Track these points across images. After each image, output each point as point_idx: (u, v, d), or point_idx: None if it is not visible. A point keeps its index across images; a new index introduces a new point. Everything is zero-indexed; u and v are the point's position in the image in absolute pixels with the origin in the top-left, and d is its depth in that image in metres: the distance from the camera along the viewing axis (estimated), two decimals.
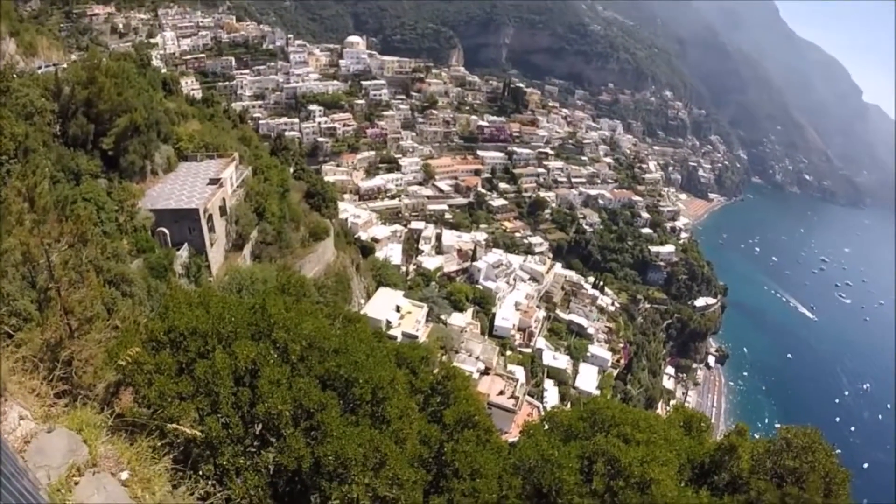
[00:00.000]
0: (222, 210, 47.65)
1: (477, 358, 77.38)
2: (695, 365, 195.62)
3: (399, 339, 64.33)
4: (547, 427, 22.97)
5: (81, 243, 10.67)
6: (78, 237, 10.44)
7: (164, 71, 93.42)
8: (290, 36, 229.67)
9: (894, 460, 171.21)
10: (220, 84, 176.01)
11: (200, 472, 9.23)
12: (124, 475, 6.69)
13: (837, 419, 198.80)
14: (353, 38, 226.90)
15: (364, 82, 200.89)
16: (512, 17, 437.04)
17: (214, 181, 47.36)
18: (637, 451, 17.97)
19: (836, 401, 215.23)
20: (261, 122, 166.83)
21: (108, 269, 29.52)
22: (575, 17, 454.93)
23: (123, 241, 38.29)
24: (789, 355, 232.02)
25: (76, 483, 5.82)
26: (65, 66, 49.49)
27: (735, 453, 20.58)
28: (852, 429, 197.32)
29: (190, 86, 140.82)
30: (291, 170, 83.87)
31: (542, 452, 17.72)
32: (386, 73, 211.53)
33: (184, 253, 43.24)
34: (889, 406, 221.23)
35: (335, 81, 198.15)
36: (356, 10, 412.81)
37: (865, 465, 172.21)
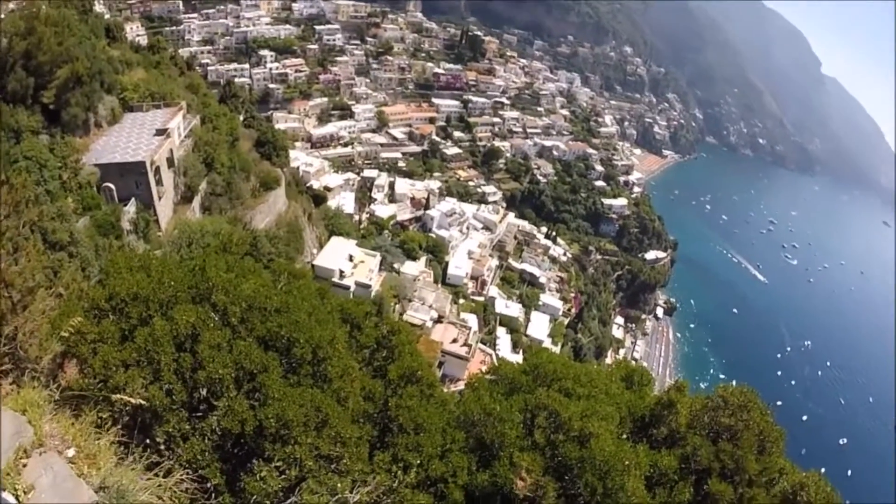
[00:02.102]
0: (170, 162, 46.50)
1: (430, 306, 77.91)
2: (644, 316, 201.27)
3: (352, 289, 64.67)
4: (491, 380, 22.82)
5: (17, 212, 10.54)
6: (13, 207, 10.34)
7: (107, 17, 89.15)
8: None
9: (894, 462, 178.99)
10: (167, 29, 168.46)
11: (147, 441, 9.29)
12: (70, 452, 6.74)
13: (779, 373, 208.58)
14: None
15: (317, 27, 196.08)
16: None
17: (161, 132, 46.01)
18: (577, 406, 18.25)
19: (778, 356, 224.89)
20: (209, 68, 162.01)
21: (52, 230, 28.90)
22: None
23: (68, 199, 37.11)
24: (735, 310, 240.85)
25: (24, 465, 5.84)
26: (1, 16, 47.08)
27: (673, 409, 20.78)
28: (793, 383, 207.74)
29: (135, 32, 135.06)
30: (241, 118, 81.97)
31: (485, 407, 17.88)
32: (340, 17, 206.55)
33: (131, 208, 42.18)
34: (828, 363, 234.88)
35: (287, 26, 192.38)
36: None
37: (805, 418, 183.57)
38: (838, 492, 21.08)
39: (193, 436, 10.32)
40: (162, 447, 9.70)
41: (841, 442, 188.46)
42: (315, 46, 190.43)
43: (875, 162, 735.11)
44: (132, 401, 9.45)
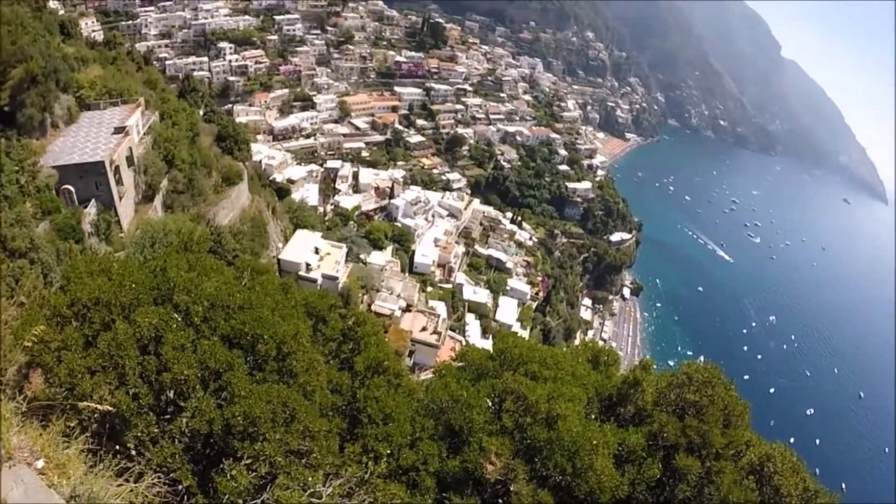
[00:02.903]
0: (129, 160, 45.49)
1: (398, 296, 78.15)
2: (611, 297, 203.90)
3: (319, 282, 64.52)
4: (459, 366, 22.94)
5: None
6: None
7: (61, 13, 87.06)
8: None
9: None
10: (123, 23, 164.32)
11: (117, 447, 9.28)
12: (40, 464, 6.74)
13: (745, 348, 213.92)
14: None
15: (277, 17, 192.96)
16: None
17: (120, 130, 44.90)
18: (544, 389, 18.39)
19: (744, 332, 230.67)
20: (167, 62, 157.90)
21: (11, 237, 28.32)
22: None
23: (27, 204, 36.11)
24: (700, 288, 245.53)
25: None
26: None
27: (640, 387, 21.09)
28: (759, 357, 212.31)
29: (90, 27, 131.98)
30: (201, 112, 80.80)
31: (453, 393, 17.90)
32: (300, 6, 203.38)
33: (91, 210, 41.17)
34: (793, 337, 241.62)
35: (246, 17, 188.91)
36: None
37: (772, 390, 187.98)
38: (804, 461, 21.71)
39: (163, 439, 10.30)
40: (133, 452, 9.65)
41: (808, 412, 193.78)
42: (275, 37, 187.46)
43: (835, 142, 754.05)
44: (99, 407, 9.43)
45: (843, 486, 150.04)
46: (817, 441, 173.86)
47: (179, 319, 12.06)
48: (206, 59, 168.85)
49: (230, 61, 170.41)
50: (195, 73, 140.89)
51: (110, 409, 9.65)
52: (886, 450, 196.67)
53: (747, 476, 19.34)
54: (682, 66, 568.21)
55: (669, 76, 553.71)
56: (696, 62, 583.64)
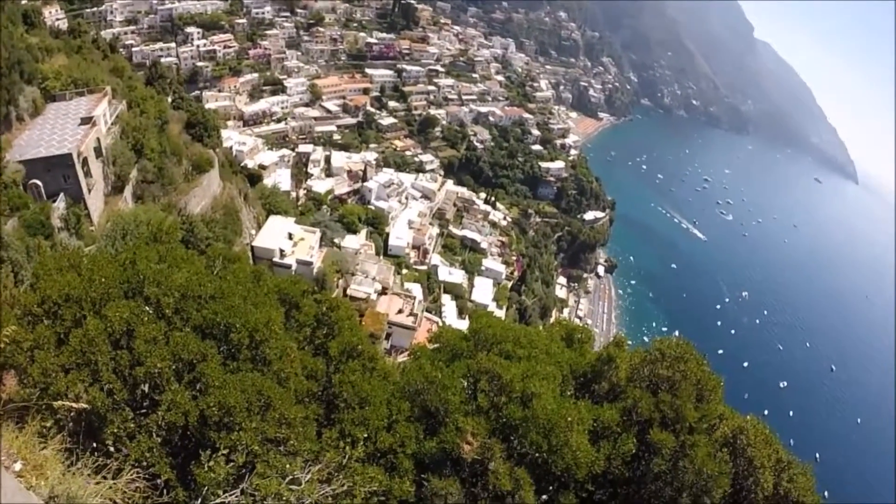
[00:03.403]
0: (98, 151, 44.59)
1: (373, 279, 78.12)
2: (585, 275, 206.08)
3: (294, 267, 64.35)
4: (434, 348, 23.18)
5: None
6: None
7: (24, 1, 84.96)
8: None
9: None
10: (88, 10, 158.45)
11: (95, 444, 9.28)
12: (17, 466, 6.76)
13: (719, 323, 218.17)
14: None
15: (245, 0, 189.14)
16: None
17: (86, 121, 43.96)
18: (518, 368, 18.53)
19: (718, 307, 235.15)
20: (134, 49, 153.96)
21: None
22: None
23: None
24: (673, 265, 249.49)
25: None
26: None
27: (613, 364, 21.49)
28: (732, 332, 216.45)
29: (54, 16, 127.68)
30: (170, 99, 79.22)
31: (427, 375, 18.01)
32: None
33: (60, 204, 40.27)
34: (765, 312, 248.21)
35: (214, 0, 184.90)
36: None
37: (745, 364, 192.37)
38: (778, 433, 22.20)
39: (139, 433, 10.31)
40: (110, 448, 9.67)
41: (781, 385, 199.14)
42: (244, 20, 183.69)
43: (806, 122, 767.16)
44: (75, 406, 9.43)
45: (817, 455, 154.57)
46: (791, 413, 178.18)
47: (151, 312, 12.02)
48: (173, 44, 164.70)
49: (198, 46, 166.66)
50: (163, 60, 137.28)
51: (86, 406, 9.65)
52: (858, 420, 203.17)
53: (721, 449, 19.57)
54: (655, 46, 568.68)
55: (642, 56, 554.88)
56: (669, 43, 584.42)
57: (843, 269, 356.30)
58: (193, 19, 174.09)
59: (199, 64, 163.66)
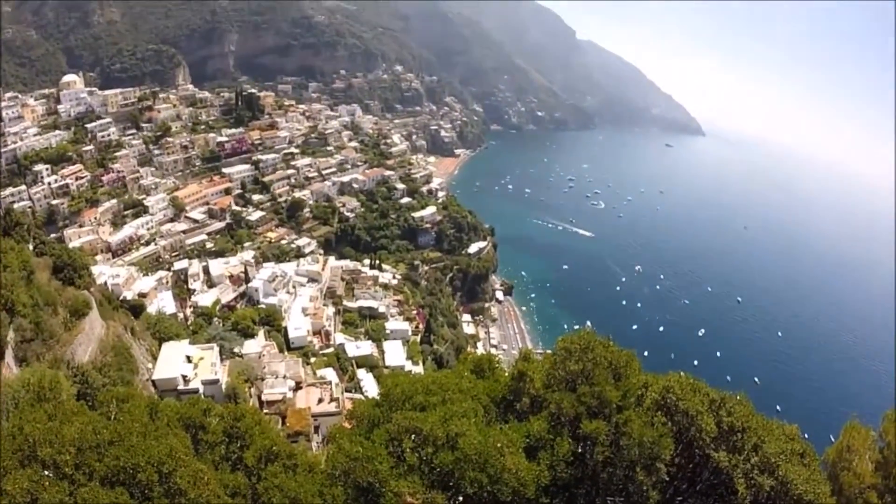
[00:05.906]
0: None
1: (284, 377, 76.58)
2: (487, 304, 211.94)
3: (202, 390, 62.63)
4: (351, 425, 23.29)
5: None
6: None
7: None
8: None
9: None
10: None
11: None
12: None
13: (624, 302, 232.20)
14: (68, 78, 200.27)
15: (88, 125, 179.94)
16: (234, 23, 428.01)
17: None
18: (435, 415, 19.10)
19: (617, 288, 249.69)
20: None
21: None
22: (298, 11, 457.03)
23: None
24: (565, 266, 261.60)
25: None
26: None
27: (526, 377, 22.53)
28: (638, 305, 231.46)
29: None
30: (31, 247, 76.11)
31: (349, 453, 18.05)
32: (110, 108, 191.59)
33: None
34: (661, 276, 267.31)
35: (57, 131, 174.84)
36: (67, 44, 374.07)
37: (661, 328, 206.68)
38: (707, 377, 24.07)
39: None
40: None
41: (699, 333, 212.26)
42: (90, 147, 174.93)
43: (643, 99, 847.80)
44: None
45: (756, 380, 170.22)
46: (718, 353, 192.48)
47: (50, 475, 11.69)
48: (23, 187, 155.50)
49: (49, 184, 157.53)
50: (15, 206, 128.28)
51: None
52: (780, 333, 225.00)
53: (656, 413, 21.32)
54: (490, 73, 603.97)
55: (482, 86, 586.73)
56: (501, 67, 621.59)
57: (711, 212, 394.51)
58: (39, 156, 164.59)
59: (54, 202, 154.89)
